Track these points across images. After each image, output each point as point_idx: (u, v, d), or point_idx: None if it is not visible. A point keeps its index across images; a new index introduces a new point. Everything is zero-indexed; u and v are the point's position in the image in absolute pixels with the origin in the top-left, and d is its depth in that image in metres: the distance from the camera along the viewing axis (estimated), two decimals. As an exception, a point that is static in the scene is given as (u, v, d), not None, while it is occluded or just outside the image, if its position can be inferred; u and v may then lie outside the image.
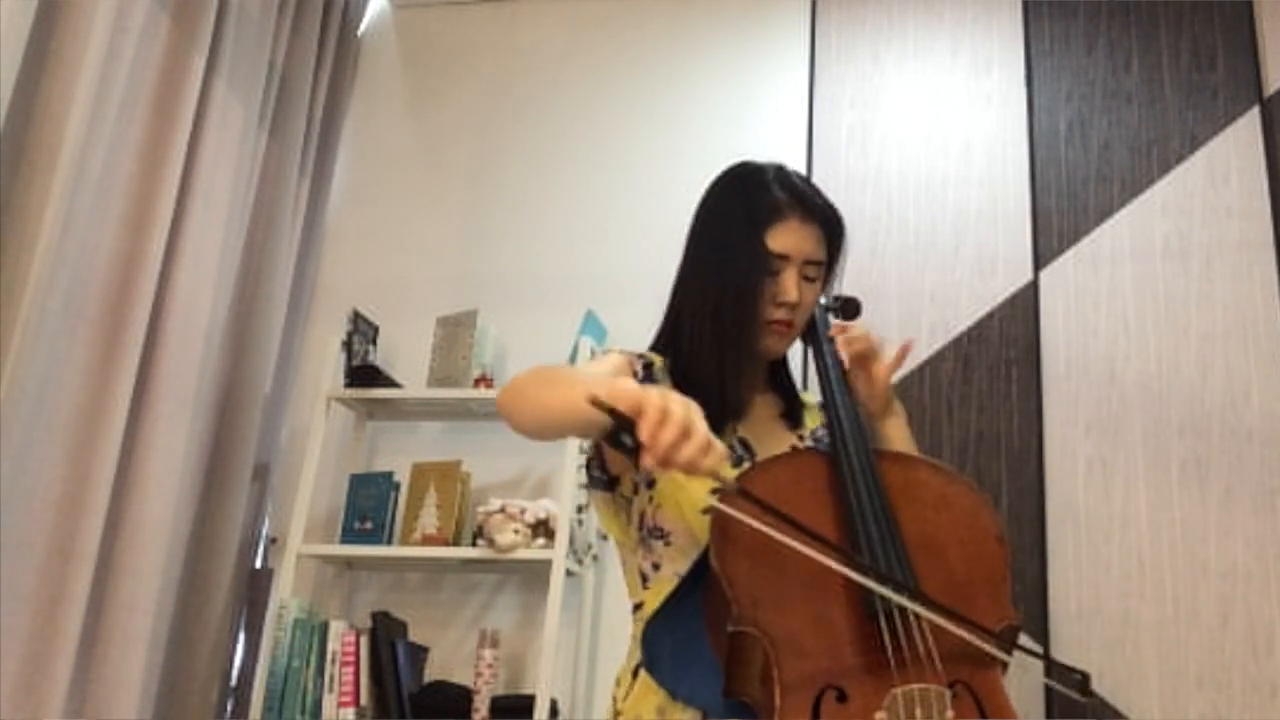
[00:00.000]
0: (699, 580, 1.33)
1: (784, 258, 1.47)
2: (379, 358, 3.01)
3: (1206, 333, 2.67)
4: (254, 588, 2.86)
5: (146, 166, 2.45)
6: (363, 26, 3.50)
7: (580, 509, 2.69)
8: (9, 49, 2.12)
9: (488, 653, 2.58)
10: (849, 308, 1.61)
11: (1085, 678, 1.27)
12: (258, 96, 2.85)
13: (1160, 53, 2.91)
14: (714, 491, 1.20)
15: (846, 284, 1.62)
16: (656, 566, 1.44)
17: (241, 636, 2.82)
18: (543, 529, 2.66)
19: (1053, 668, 1.28)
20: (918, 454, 1.55)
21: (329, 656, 2.62)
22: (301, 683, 2.61)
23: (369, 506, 2.80)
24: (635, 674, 1.40)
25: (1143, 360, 2.68)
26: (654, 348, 1.55)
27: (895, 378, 1.57)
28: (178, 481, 2.48)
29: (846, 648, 1.25)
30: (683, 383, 1.48)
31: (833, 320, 1.59)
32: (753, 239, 1.46)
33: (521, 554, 2.62)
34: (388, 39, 3.50)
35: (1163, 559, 2.53)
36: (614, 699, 1.44)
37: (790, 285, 1.47)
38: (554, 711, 2.56)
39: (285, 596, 2.69)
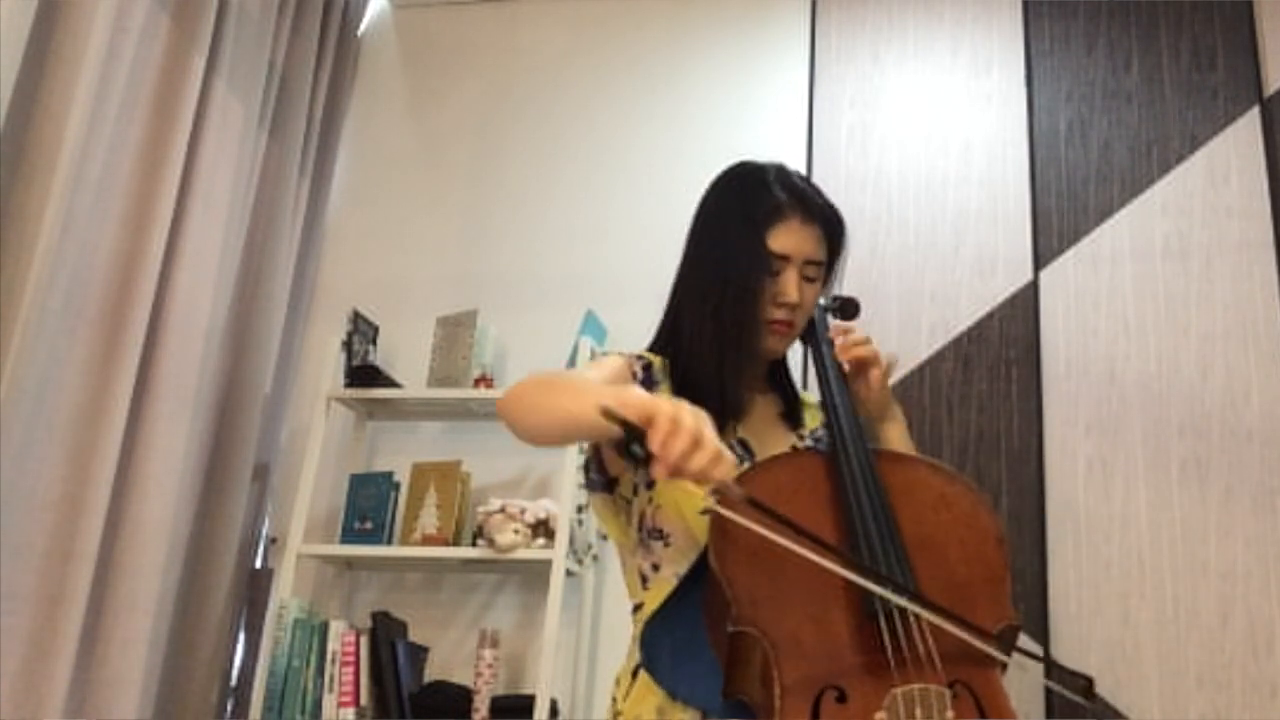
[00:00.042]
0: (698, 581, 1.33)
1: (784, 258, 1.47)
2: (379, 358, 3.01)
3: (1206, 333, 2.67)
4: (254, 588, 2.86)
5: (146, 166, 2.45)
6: (363, 26, 3.50)
7: (580, 509, 2.69)
8: (9, 49, 2.12)
9: (488, 653, 2.58)
10: (848, 308, 1.61)
11: (1090, 682, 1.27)
12: (258, 96, 2.85)
13: (1160, 53, 2.91)
14: (713, 492, 1.20)
15: (846, 284, 1.62)
16: (656, 567, 1.44)
17: (241, 637, 2.82)
18: (543, 529, 2.66)
19: (1057, 671, 1.28)
20: (917, 454, 1.55)
21: (329, 656, 2.62)
22: (301, 683, 2.61)
23: (369, 506, 2.80)
24: (635, 674, 1.40)
25: (1143, 360, 2.68)
26: (653, 348, 1.55)
27: (894, 379, 1.57)
28: (178, 481, 2.48)
29: (846, 648, 1.25)
30: (682, 383, 1.48)
31: (833, 322, 1.59)
32: (753, 239, 1.46)
33: (521, 554, 2.62)
34: (388, 39, 3.50)
35: (1163, 559, 2.53)
36: (613, 699, 1.44)
37: (791, 285, 1.47)
38: (554, 711, 2.56)
39: (285, 596, 2.69)
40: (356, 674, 2.61)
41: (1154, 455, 2.60)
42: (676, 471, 1.13)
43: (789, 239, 1.47)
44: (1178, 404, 2.63)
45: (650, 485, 1.45)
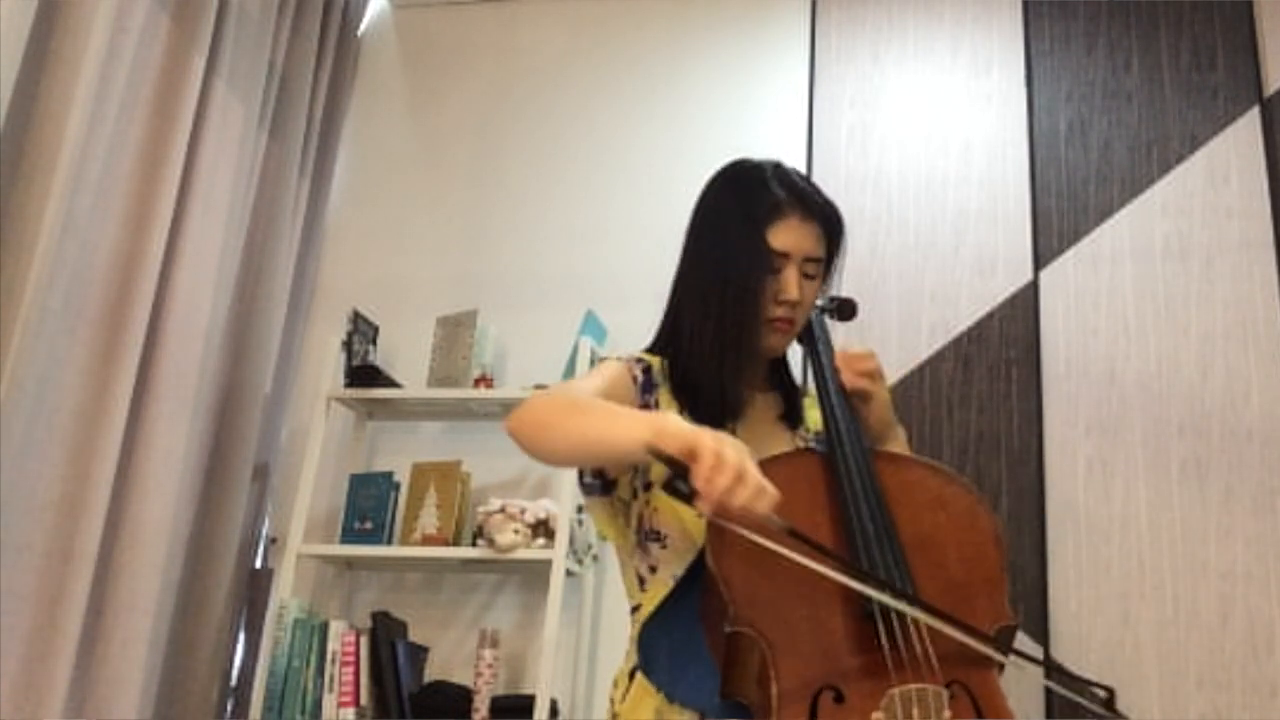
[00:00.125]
0: (695, 582, 1.33)
1: (784, 255, 1.46)
2: (379, 358, 3.01)
3: (1206, 333, 2.66)
4: (254, 588, 2.86)
5: (146, 166, 2.45)
6: (363, 26, 3.50)
7: (580, 509, 2.69)
8: (9, 49, 2.12)
9: (488, 653, 2.58)
10: (845, 309, 1.60)
11: (1111, 694, 1.27)
12: (258, 96, 2.85)
13: (1160, 53, 2.91)
14: (755, 527, 1.20)
15: (846, 284, 1.62)
16: (653, 569, 1.44)
17: (241, 636, 2.83)
18: (543, 529, 2.66)
19: (1077, 683, 1.27)
20: (914, 455, 1.54)
21: (329, 656, 2.62)
22: (301, 683, 2.61)
23: (369, 506, 2.80)
24: (632, 676, 1.40)
25: (1143, 360, 2.68)
26: (653, 348, 1.54)
27: (893, 379, 1.56)
28: (178, 481, 2.48)
29: (843, 648, 1.24)
30: (682, 383, 1.48)
31: (840, 351, 1.56)
32: (753, 237, 1.46)
33: (521, 554, 2.62)
34: (388, 39, 3.50)
35: (1163, 559, 2.52)
36: (611, 700, 1.44)
37: (791, 283, 1.46)
38: (554, 711, 2.56)
39: (285, 596, 2.70)
40: (356, 674, 2.61)
41: (1154, 455, 2.60)
42: (721, 508, 1.14)
43: (788, 236, 1.47)
44: (1178, 404, 2.62)
45: (648, 487, 1.44)
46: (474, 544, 2.69)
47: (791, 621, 1.24)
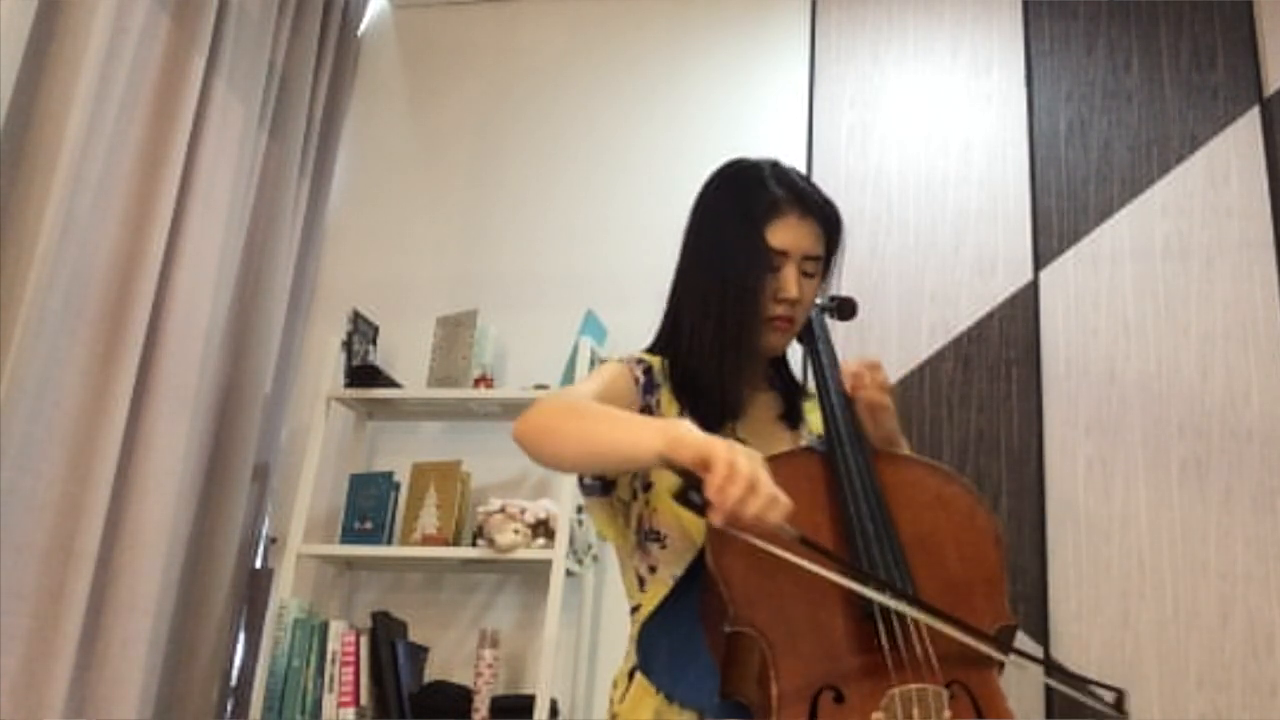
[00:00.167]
0: (695, 582, 1.33)
1: (783, 254, 1.46)
2: (379, 358, 3.01)
3: (1206, 333, 2.66)
4: (254, 588, 2.86)
5: (146, 166, 2.45)
6: (363, 26, 3.50)
7: (580, 509, 2.69)
8: (9, 49, 2.12)
9: (488, 653, 2.58)
10: (845, 308, 1.60)
11: (1121, 695, 1.27)
12: (258, 96, 2.85)
13: (1160, 53, 2.91)
14: (768, 537, 1.20)
15: (846, 284, 1.62)
16: (653, 569, 1.44)
17: (241, 636, 2.83)
18: (543, 529, 2.66)
19: (1089, 687, 1.27)
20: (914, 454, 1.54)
21: (329, 656, 2.62)
22: (301, 683, 2.61)
23: (369, 506, 2.80)
24: (631, 676, 1.40)
25: (1143, 360, 2.68)
26: (653, 348, 1.54)
27: (894, 379, 1.56)
28: (178, 481, 2.48)
29: (843, 648, 1.24)
30: (682, 383, 1.48)
31: (845, 364, 1.55)
32: (752, 235, 1.46)
33: (521, 554, 2.62)
34: (388, 39, 3.50)
35: (1163, 559, 2.52)
36: (610, 701, 1.44)
37: (790, 281, 1.46)
38: (554, 711, 2.56)
39: (285, 596, 2.70)
40: (356, 674, 2.61)
41: (1154, 455, 2.60)
42: (733, 518, 1.14)
43: (787, 234, 1.47)
44: (1178, 404, 2.62)
45: (647, 487, 1.44)
46: (474, 544, 2.69)
47: (791, 621, 1.24)
